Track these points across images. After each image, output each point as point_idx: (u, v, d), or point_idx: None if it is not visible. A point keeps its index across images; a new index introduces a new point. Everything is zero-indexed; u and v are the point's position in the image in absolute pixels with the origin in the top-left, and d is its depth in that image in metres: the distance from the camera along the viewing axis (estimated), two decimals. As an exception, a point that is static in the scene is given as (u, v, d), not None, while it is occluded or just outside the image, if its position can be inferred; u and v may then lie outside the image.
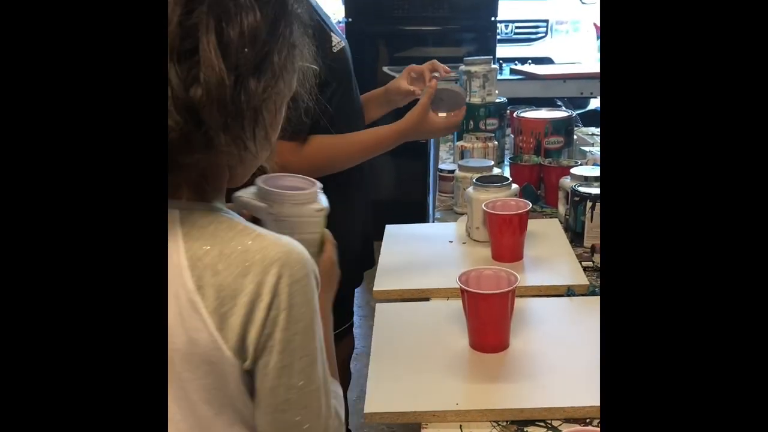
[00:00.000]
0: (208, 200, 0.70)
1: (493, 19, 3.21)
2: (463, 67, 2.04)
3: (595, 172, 1.52)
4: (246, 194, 0.81)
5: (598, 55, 3.89)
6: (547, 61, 4.80)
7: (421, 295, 1.27)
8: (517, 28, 5.07)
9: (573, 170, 1.52)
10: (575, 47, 4.90)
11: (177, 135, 0.61)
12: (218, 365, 0.67)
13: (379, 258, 1.40)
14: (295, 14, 0.69)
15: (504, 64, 3.09)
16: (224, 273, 0.65)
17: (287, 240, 0.68)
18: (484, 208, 1.33)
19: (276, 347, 0.66)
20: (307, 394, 0.69)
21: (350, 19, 3.20)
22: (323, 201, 0.85)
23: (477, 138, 1.85)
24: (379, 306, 1.23)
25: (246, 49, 0.62)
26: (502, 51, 4.47)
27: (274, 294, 0.65)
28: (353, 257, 1.45)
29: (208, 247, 0.66)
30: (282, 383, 0.68)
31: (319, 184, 0.85)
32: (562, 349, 1.05)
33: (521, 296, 1.22)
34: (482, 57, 2.07)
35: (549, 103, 2.82)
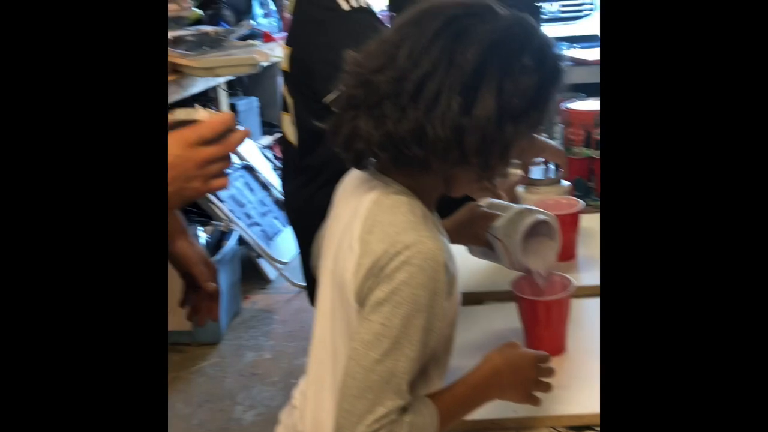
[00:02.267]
0: (425, 193, 0.84)
1: (536, 4, 3.16)
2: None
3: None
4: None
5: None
6: (594, 38, 4.71)
7: (475, 299, 1.28)
8: (562, 6, 4.97)
9: (625, 164, 1.51)
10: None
11: (441, 146, 0.76)
12: (347, 305, 0.80)
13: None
14: (560, 77, 0.83)
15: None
16: (375, 235, 0.79)
17: (431, 237, 0.78)
18: (536, 209, 1.33)
19: (371, 302, 0.77)
20: (366, 361, 0.75)
21: (395, 15, 3.20)
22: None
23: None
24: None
25: (515, 100, 0.77)
26: (548, 31, 4.40)
27: (389, 262, 0.76)
28: None
29: (380, 213, 0.80)
30: (359, 333, 0.77)
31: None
32: (619, 352, 1.06)
33: (575, 297, 1.22)
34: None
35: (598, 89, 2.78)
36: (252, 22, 3.59)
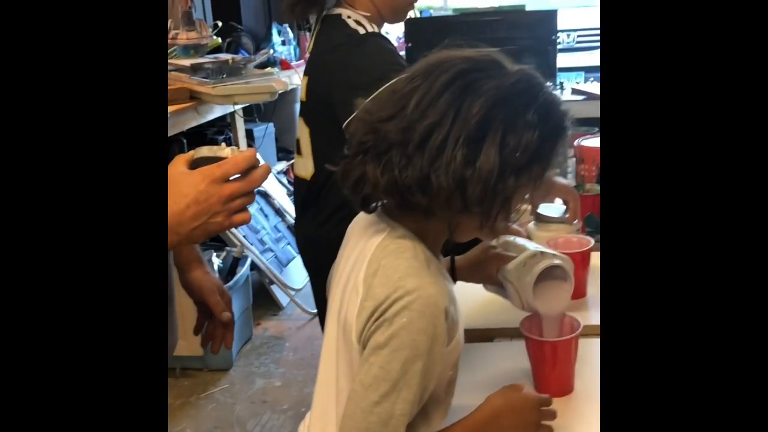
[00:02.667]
0: (430, 237, 0.87)
1: (553, 38, 3.19)
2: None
3: (659, 203, 1.51)
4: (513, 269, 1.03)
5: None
6: (611, 68, 4.73)
7: (486, 336, 1.29)
8: (579, 36, 5.01)
9: (636, 202, 1.52)
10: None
11: (444, 195, 0.79)
12: (350, 346, 0.82)
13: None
14: (564, 134, 0.86)
15: (565, 82, 3.07)
16: (379, 278, 0.81)
17: (433, 282, 0.80)
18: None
19: (371, 345, 0.79)
20: (365, 403, 0.77)
21: (410, 44, 3.24)
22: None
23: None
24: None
25: (517, 155, 0.79)
26: (565, 60, 4.43)
27: (390, 306, 0.78)
28: None
29: (385, 258, 0.83)
30: (359, 375, 0.79)
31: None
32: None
33: (585, 336, 1.23)
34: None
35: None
36: (271, 50, 3.64)
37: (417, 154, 0.79)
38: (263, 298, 3.17)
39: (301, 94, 1.58)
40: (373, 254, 0.84)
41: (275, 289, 3.18)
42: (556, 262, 1.04)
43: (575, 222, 1.45)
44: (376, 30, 1.44)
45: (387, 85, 0.86)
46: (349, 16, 1.45)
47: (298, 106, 1.71)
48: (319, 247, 1.33)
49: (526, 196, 0.87)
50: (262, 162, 0.84)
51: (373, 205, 0.87)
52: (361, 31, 1.42)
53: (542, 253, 1.05)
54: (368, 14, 1.46)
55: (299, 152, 1.57)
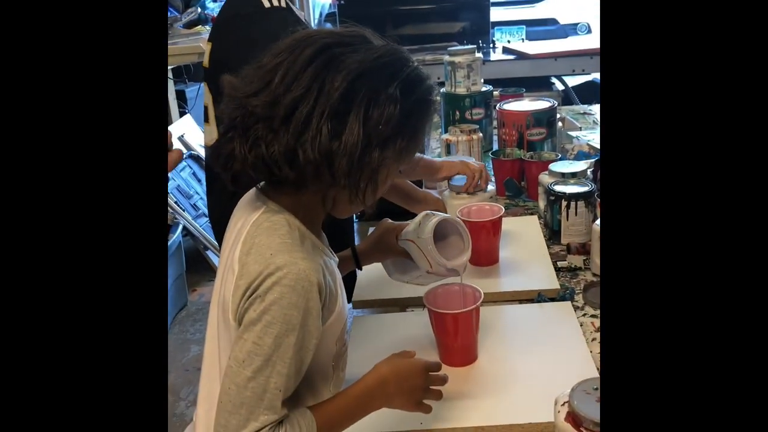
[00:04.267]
0: (307, 213, 0.87)
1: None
2: (447, 58, 2.04)
3: (573, 167, 1.53)
4: (408, 239, 1.07)
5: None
6: (552, 22, 4.73)
7: (398, 305, 1.30)
8: (520, -11, 4.99)
9: (551, 166, 1.54)
10: (580, 5, 4.80)
11: (312, 168, 0.80)
12: (228, 324, 0.82)
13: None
14: (428, 109, 0.87)
15: (497, 42, 3.07)
16: (252, 256, 0.82)
17: (304, 258, 0.81)
18: (459, 216, 1.35)
19: (245, 322, 0.80)
20: (239, 378, 0.78)
21: (342, 2, 3.18)
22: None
23: (461, 131, 1.85)
24: (356, 317, 1.27)
25: (380, 128, 0.81)
26: (505, 14, 4.41)
27: (262, 283, 0.79)
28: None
29: (258, 236, 0.83)
30: (233, 351, 0.80)
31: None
32: (527, 361, 1.08)
33: (494, 302, 1.25)
34: (466, 47, 2.07)
35: (543, 81, 2.81)
36: (199, 9, 3.53)
37: (283, 128, 0.79)
38: (198, 264, 3.14)
39: (204, 60, 1.54)
40: (248, 232, 0.84)
41: (210, 255, 3.15)
42: (446, 215, 1.10)
43: (489, 188, 1.46)
44: (282, 4, 1.41)
45: (254, 61, 0.85)
46: None
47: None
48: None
49: (400, 170, 0.89)
50: (177, 146, 0.83)
51: (244, 181, 0.87)
52: (266, 3, 1.39)
53: (433, 213, 1.10)
54: None
55: (206, 120, 1.53)
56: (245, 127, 0.81)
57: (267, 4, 1.39)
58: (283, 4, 1.40)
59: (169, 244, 2.74)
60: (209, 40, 1.52)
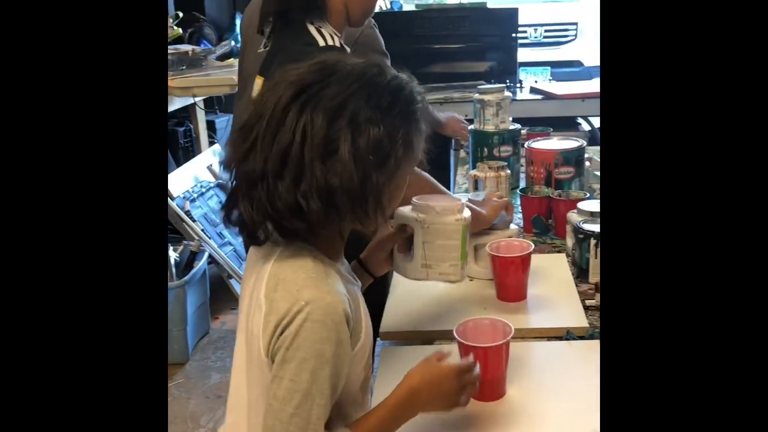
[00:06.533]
0: (325, 246, 0.88)
1: (514, 35, 3.21)
2: (476, 96, 2.07)
3: (602, 207, 1.54)
4: (403, 209, 1.10)
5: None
6: (576, 64, 4.77)
7: (426, 338, 1.31)
8: (546, 31, 5.04)
9: (580, 205, 1.55)
10: (604, 49, 4.83)
11: (318, 215, 0.81)
12: (259, 360, 0.84)
13: (388, 297, 1.44)
14: (414, 121, 0.88)
15: (524, 81, 3.10)
16: (279, 293, 0.83)
17: (330, 291, 0.83)
18: (488, 251, 1.36)
19: (278, 359, 0.81)
20: (282, 414, 0.79)
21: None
22: (465, 213, 1.10)
23: (489, 167, 1.87)
24: (384, 349, 1.27)
25: (371, 156, 0.82)
26: (531, 55, 4.46)
27: (292, 320, 0.81)
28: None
29: (283, 271, 0.85)
30: (272, 389, 0.81)
31: (463, 200, 1.12)
32: (555, 398, 1.08)
33: (522, 338, 1.25)
34: (495, 85, 2.10)
35: (569, 121, 2.82)
36: (233, 41, 3.61)
37: (280, 182, 0.81)
38: (222, 292, 3.16)
39: (254, 94, 1.56)
40: (272, 269, 0.86)
41: (234, 283, 3.17)
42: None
43: (513, 226, 1.48)
44: (336, 43, 1.41)
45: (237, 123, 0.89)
46: (312, 22, 1.42)
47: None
48: None
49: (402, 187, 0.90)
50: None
51: (262, 238, 0.89)
52: (321, 42, 1.39)
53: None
54: (335, 25, 1.41)
55: None
56: (246, 191, 0.83)
57: (321, 43, 1.37)
58: (338, 44, 1.40)
59: (193, 272, 2.77)
60: (260, 74, 1.53)
